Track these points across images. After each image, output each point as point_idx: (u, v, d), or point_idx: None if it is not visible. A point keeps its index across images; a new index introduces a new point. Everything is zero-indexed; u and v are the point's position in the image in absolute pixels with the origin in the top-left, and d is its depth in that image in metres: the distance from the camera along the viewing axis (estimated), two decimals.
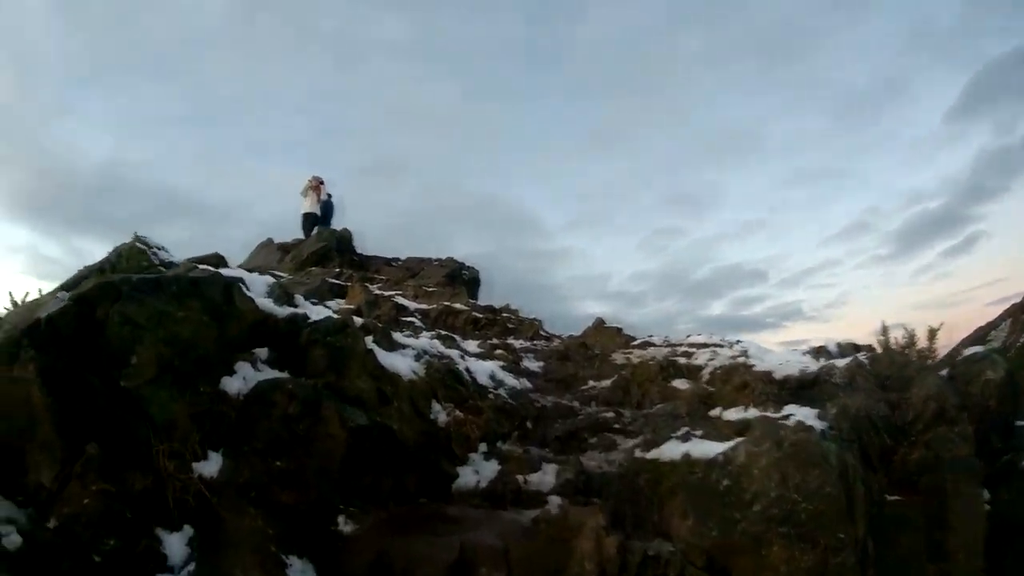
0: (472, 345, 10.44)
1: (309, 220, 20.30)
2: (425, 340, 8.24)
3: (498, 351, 10.36)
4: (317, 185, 20.55)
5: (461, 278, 17.46)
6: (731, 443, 5.27)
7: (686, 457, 5.32)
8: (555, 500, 5.13)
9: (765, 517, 4.59)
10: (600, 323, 13.12)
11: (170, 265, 19.06)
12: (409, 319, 12.33)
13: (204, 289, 5.00)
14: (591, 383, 9.48)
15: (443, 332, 10.76)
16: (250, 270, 16.06)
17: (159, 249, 20.44)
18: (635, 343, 11.74)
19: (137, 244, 19.71)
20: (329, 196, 21.03)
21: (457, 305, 13.17)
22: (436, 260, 18.30)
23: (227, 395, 4.68)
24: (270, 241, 20.20)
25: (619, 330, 12.83)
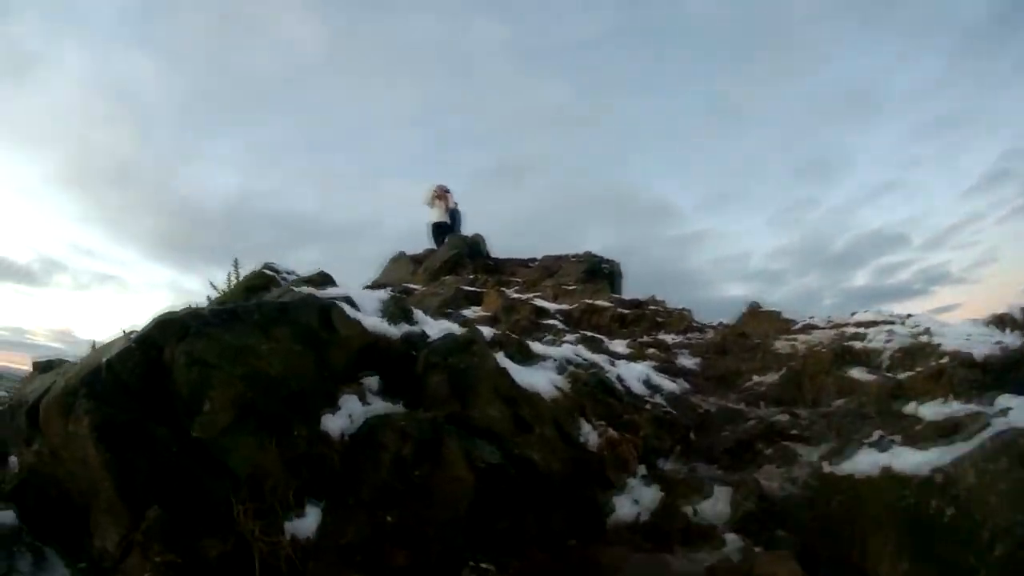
0: (620, 346, 9.67)
1: (438, 229, 20.22)
2: (568, 347, 7.60)
3: (649, 350, 9.54)
4: (442, 194, 20.40)
5: (601, 272, 16.64)
6: (946, 453, 4.09)
7: (887, 473, 4.22)
8: (733, 539, 4.27)
9: (1014, 564, 3.33)
10: (755, 308, 11.89)
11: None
12: (549, 322, 11.72)
13: (295, 314, 4.47)
14: (755, 378, 8.45)
15: (587, 334, 10.04)
16: (381, 286, 16.16)
17: (288, 274, 20.92)
18: (796, 327, 10.50)
19: (265, 271, 20.10)
20: (456, 204, 20.88)
21: (600, 302, 12.43)
22: (573, 256, 17.58)
23: (328, 436, 4.06)
24: (402, 255, 20.30)
25: (778, 314, 11.56)
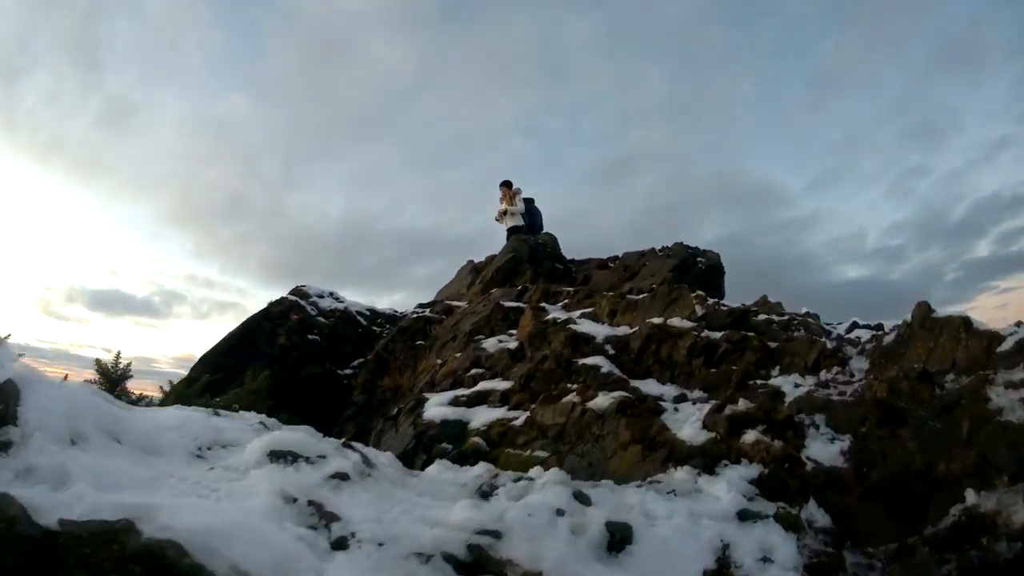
0: (690, 424, 5.09)
1: (515, 234, 16.15)
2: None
3: (747, 434, 4.86)
4: (507, 193, 16.31)
5: (695, 269, 11.79)
6: None
7: None
8: None
9: None
10: (926, 312, 6.78)
11: (331, 314, 14.93)
12: (592, 361, 7.18)
13: None
14: (977, 498, 3.59)
15: (637, 392, 5.54)
16: (434, 303, 12.15)
17: (320, 297, 16.33)
18: (1007, 348, 5.55)
19: (289, 297, 15.15)
20: (531, 200, 16.69)
21: (676, 322, 7.70)
22: (661, 250, 12.81)
23: None
24: (469, 263, 16.33)
25: (966, 324, 6.41)
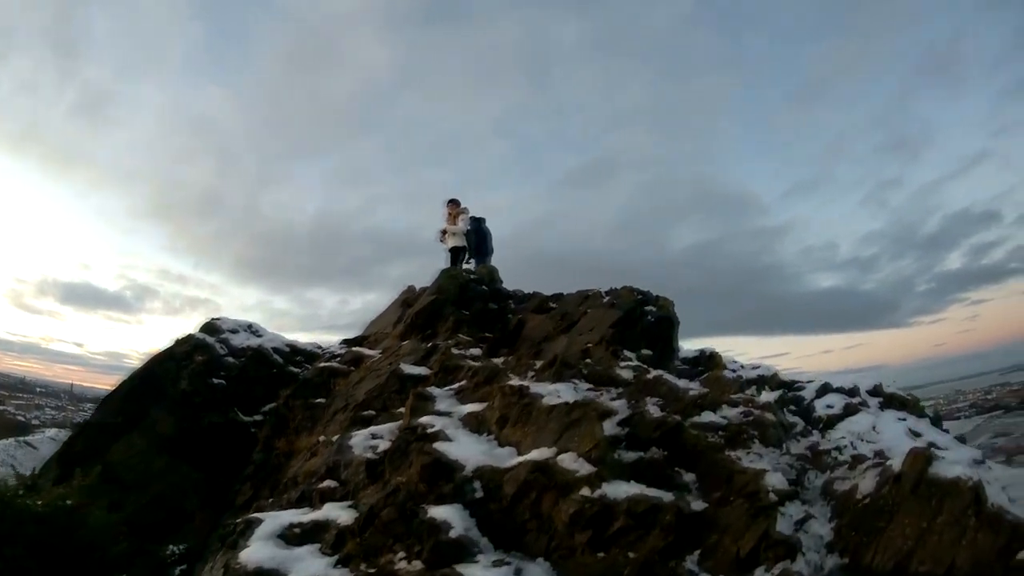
0: None
1: (456, 258, 13.86)
2: None
3: None
4: (454, 211, 14.09)
5: (643, 322, 9.46)
6: None
7: None
8: None
9: None
10: (921, 469, 5.07)
11: (243, 352, 12.28)
12: (444, 511, 4.90)
13: None
14: None
15: None
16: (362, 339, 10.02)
17: (233, 332, 13.51)
18: None
19: (197, 335, 12.84)
20: (481, 220, 14.47)
21: (567, 461, 5.42)
22: (607, 293, 10.42)
23: None
24: (407, 290, 14.06)
25: (976, 500, 4.12)
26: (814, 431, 7.52)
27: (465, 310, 11.05)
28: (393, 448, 6.31)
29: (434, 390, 7.59)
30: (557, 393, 6.38)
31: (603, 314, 9.57)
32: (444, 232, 14.09)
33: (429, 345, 9.54)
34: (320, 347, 13.99)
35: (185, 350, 12.87)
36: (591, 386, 7.24)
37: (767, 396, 6.95)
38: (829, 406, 9.69)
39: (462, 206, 14.42)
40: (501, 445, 5.95)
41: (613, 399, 6.69)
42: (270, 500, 8.26)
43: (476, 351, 9.40)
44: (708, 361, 11.06)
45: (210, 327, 13.73)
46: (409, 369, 8.69)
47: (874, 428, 9.37)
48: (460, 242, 14.03)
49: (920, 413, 10.71)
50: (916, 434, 9.46)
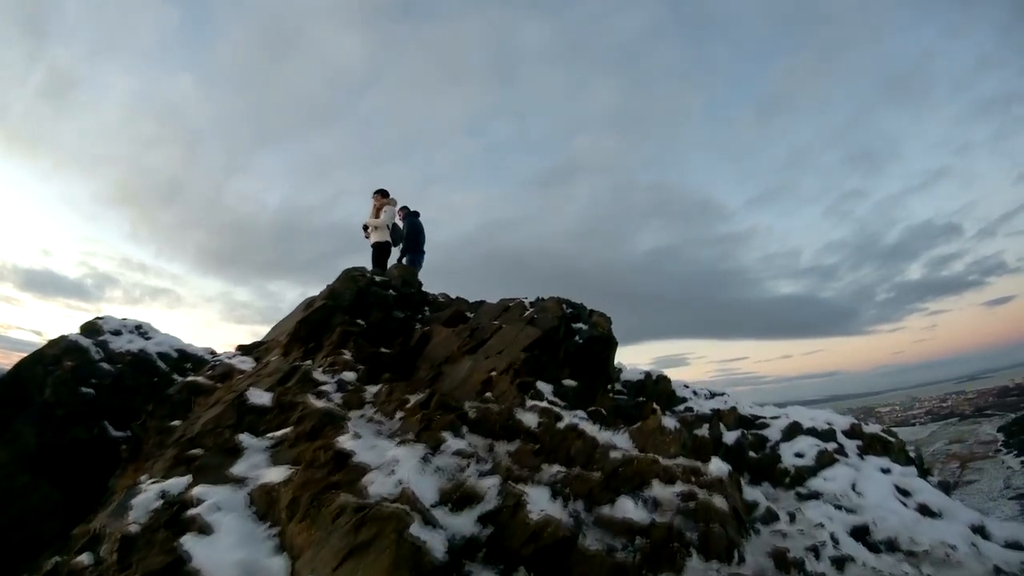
0: None
1: (380, 253, 11.44)
2: None
3: None
4: (380, 203, 11.85)
5: (568, 344, 7.05)
6: None
7: None
8: None
9: None
10: None
11: (122, 357, 10.47)
12: None
13: None
14: None
15: None
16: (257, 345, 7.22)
17: (116, 334, 11.30)
18: None
19: (70, 337, 11.00)
20: (415, 215, 12.32)
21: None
22: (534, 303, 8.01)
23: None
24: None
25: None
26: (780, 514, 5.15)
27: (362, 319, 8.60)
28: (144, 529, 3.90)
29: (244, 439, 5.18)
30: (392, 464, 3.98)
31: (518, 332, 7.15)
32: (378, 211, 11.76)
33: (296, 364, 7.08)
34: (213, 353, 11.49)
35: (55, 353, 10.35)
36: (468, 444, 4.85)
37: (717, 467, 4.58)
38: (799, 455, 7.39)
39: (390, 197, 12.04)
40: (281, 550, 3.52)
41: (484, 472, 4.28)
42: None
43: (350, 375, 6.96)
44: (654, 387, 8.72)
45: (91, 327, 11.19)
46: (256, 398, 6.23)
47: (854, 487, 7.10)
48: (383, 237, 11.64)
49: (905, 459, 8.45)
50: (905, 492, 7.19)
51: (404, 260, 11.86)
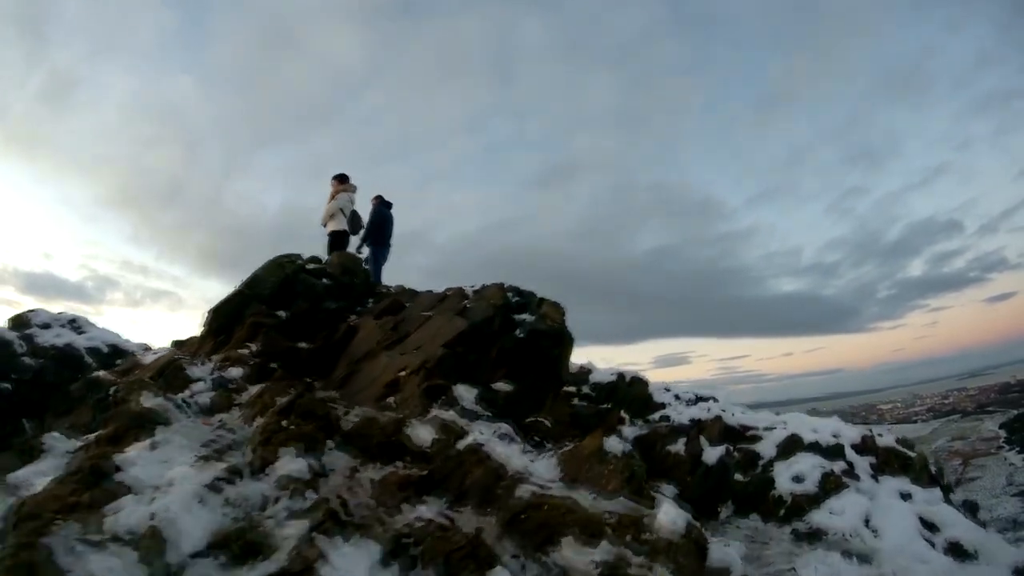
0: None
1: (334, 243, 9.93)
2: None
3: None
4: (337, 188, 10.30)
5: (505, 339, 5.39)
6: None
7: None
8: None
9: None
10: None
11: (42, 352, 9.27)
12: None
13: None
14: None
15: None
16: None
17: (44, 327, 10.09)
18: None
19: None
20: (388, 206, 10.66)
21: None
22: (478, 291, 6.36)
23: None
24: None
25: None
26: None
27: (284, 310, 7.02)
28: None
29: (51, 440, 3.70)
30: (167, 487, 2.42)
31: (443, 324, 5.51)
32: (335, 196, 10.20)
33: (174, 358, 5.54)
34: (148, 348, 10.00)
35: None
36: (321, 465, 3.24)
37: (669, 518, 2.93)
38: (798, 478, 5.68)
39: (349, 183, 10.45)
40: None
41: (297, 512, 2.69)
42: None
43: (237, 371, 5.41)
44: (627, 391, 7.02)
45: (19, 320, 9.74)
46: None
47: (868, 522, 5.39)
48: (339, 226, 10.03)
49: (927, 478, 6.70)
50: (931, 526, 5.46)
51: (364, 251, 10.26)
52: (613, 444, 3.82)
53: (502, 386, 5.02)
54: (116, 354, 9.64)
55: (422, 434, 3.89)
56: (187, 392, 5.25)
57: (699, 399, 7.82)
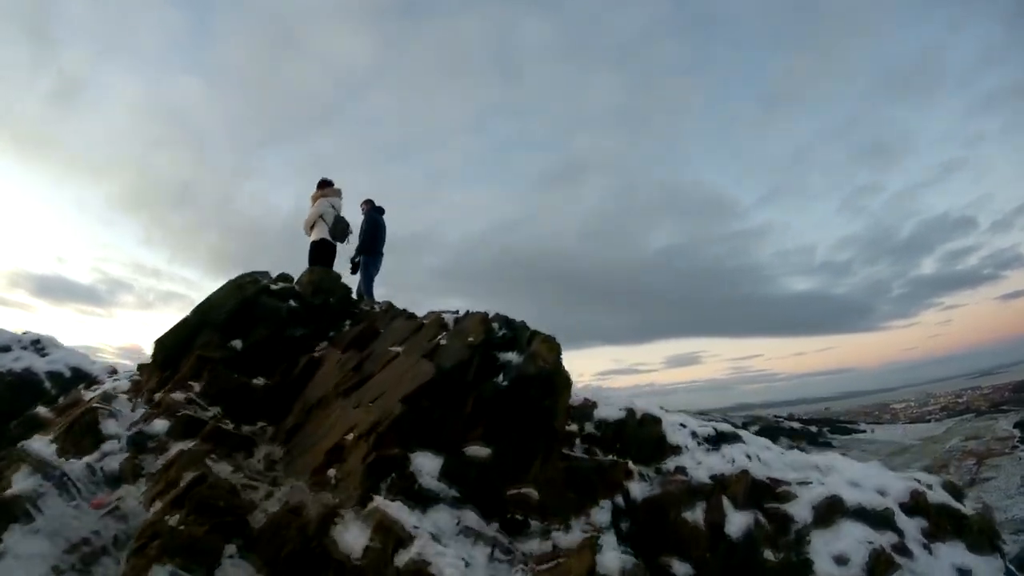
0: None
1: (319, 253, 8.78)
2: None
3: None
4: (316, 196, 9.10)
5: (485, 389, 4.24)
6: None
7: None
8: None
9: None
10: None
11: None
12: None
13: None
14: None
15: None
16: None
17: (3, 351, 9.26)
18: None
19: None
20: (379, 211, 9.43)
21: None
22: (453, 319, 5.25)
23: None
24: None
25: None
26: None
27: (242, 338, 5.98)
28: None
29: None
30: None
31: (408, 368, 4.44)
32: (317, 200, 9.12)
33: (89, 409, 4.53)
34: (115, 371, 9.03)
35: None
36: None
37: None
38: (841, 559, 4.53)
39: (333, 187, 9.33)
40: None
41: None
42: None
43: (162, 424, 4.39)
44: (637, 430, 5.90)
45: None
46: None
47: None
48: (322, 234, 8.94)
49: (987, 545, 5.52)
50: None
51: (357, 263, 9.18)
52: (609, 561, 2.72)
53: (477, 450, 3.93)
54: (79, 378, 8.70)
55: (352, 539, 2.84)
56: (96, 455, 4.24)
57: (720, 436, 6.67)
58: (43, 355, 9.05)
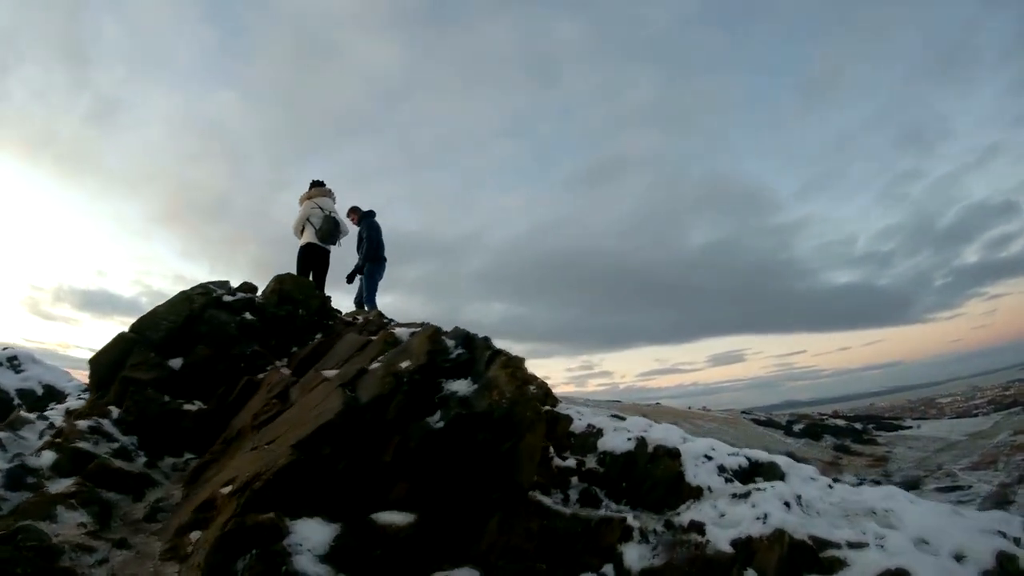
0: None
1: (308, 259, 7.93)
2: None
3: None
4: (304, 197, 8.24)
5: (420, 430, 2.99)
6: None
7: None
8: None
9: None
10: None
11: None
12: None
13: None
14: None
15: None
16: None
17: None
18: None
19: None
20: (370, 215, 8.50)
21: None
22: (403, 332, 4.02)
23: None
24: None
25: None
26: None
27: (181, 355, 4.93)
28: None
29: None
30: None
31: (320, 401, 3.25)
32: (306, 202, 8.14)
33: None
34: (87, 389, 8.25)
35: None
36: None
37: None
38: None
39: (323, 188, 8.36)
40: None
41: None
42: None
43: (50, 456, 3.34)
44: (648, 468, 4.55)
45: None
46: None
47: None
48: (310, 238, 7.96)
49: None
50: None
51: (362, 272, 8.20)
52: None
53: (394, 518, 2.70)
54: (51, 395, 7.93)
55: None
56: None
57: (753, 468, 5.18)
58: (18, 371, 8.38)
